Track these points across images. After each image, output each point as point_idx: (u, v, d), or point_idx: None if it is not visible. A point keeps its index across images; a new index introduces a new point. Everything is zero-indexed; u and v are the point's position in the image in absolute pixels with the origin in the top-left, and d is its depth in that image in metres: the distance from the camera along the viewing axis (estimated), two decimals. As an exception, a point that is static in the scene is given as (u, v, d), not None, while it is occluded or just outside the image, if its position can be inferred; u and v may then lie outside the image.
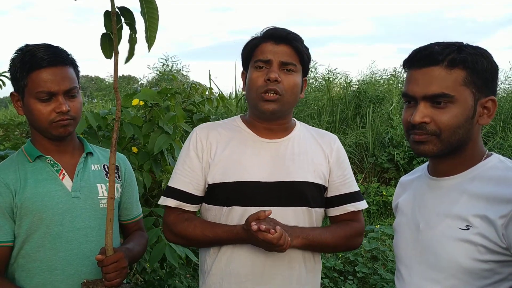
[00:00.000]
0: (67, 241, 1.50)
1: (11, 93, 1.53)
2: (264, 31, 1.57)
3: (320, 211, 1.62)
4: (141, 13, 1.35)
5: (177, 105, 2.67)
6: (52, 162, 1.53)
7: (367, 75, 9.90)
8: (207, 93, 3.05)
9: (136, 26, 1.39)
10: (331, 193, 1.62)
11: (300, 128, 1.67)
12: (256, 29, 1.64)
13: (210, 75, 7.60)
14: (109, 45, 1.40)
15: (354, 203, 1.63)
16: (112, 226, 1.42)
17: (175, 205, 1.59)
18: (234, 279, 1.53)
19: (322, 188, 1.60)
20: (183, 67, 12.28)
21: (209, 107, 2.95)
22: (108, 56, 1.40)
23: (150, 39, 1.36)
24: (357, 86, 9.18)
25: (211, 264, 1.58)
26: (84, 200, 1.54)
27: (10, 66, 1.50)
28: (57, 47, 1.51)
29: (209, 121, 2.81)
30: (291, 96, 1.53)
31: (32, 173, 1.50)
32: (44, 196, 1.48)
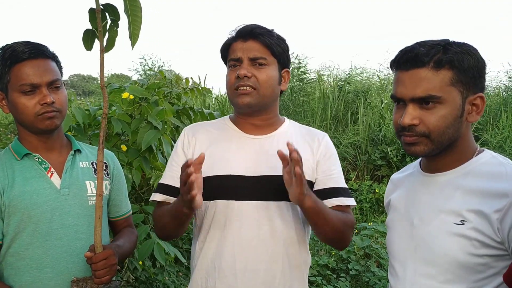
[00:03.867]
0: (57, 239, 1.49)
1: None
2: (235, 29, 1.60)
3: None
4: (124, 11, 1.37)
5: (165, 99, 2.66)
6: (40, 160, 1.52)
7: (359, 73, 9.91)
8: (190, 84, 3.02)
9: (120, 23, 1.42)
10: (317, 186, 1.60)
11: (288, 125, 1.67)
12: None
13: (200, 76, 7.56)
14: (91, 38, 1.44)
15: (340, 198, 1.59)
16: (101, 223, 1.41)
17: (162, 199, 1.61)
18: (218, 274, 1.53)
19: (311, 184, 1.59)
20: (164, 63, 12.26)
21: (188, 98, 2.92)
22: (88, 48, 1.45)
23: (134, 37, 1.39)
24: (343, 81, 9.16)
25: (196, 259, 1.59)
26: (73, 198, 1.53)
27: None
28: (37, 43, 1.51)
29: (190, 112, 2.83)
30: (266, 89, 1.54)
31: (20, 171, 1.49)
32: (33, 194, 1.47)
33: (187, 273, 3.34)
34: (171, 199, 1.59)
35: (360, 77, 9.76)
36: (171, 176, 1.62)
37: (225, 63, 1.63)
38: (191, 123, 2.86)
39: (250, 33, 1.54)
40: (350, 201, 1.60)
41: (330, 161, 1.63)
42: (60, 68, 1.54)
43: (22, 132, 1.54)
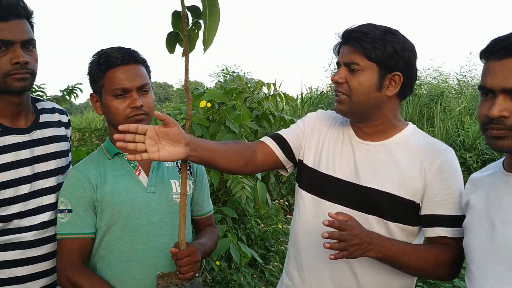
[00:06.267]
0: (144, 234, 1.56)
1: (91, 95, 1.63)
2: None
3: (403, 227, 1.48)
4: (202, 15, 1.36)
5: (242, 104, 2.72)
6: (129, 159, 1.61)
7: (435, 76, 9.55)
8: (272, 91, 3.08)
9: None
10: (425, 211, 1.47)
11: (407, 134, 1.54)
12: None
13: (276, 81, 7.63)
14: (173, 41, 1.44)
15: (450, 228, 1.43)
16: (185, 221, 1.47)
17: (268, 142, 1.67)
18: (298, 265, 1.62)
19: (411, 204, 1.46)
20: (245, 73, 12.53)
21: (270, 104, 2.98)
22: (171, 51, 1.45)
23: (207, 42, 1.38)
24: (417, 85, 8.85)
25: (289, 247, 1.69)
26: (159, 195, 1.60)
27: (89, 69, 1.60)
28: (129, 48, 1.60)
29: (270, 117, 2.87)
30: (358, 96, 1.46)
31: (111, 169, 1.59)
32: (122, 191, 1.55)
33: (261, 275, 3.38)
34: (277, 150, 1.64)
35: (436, 80, 9.41)
36: (288, 133, 1.67)
37: None
38: (271, 128, 2.91)
39: (346, 36, 1.48)
40: (459, 233, 1.43)
41: (443, 184, 1.45)
42: (149, 72, 1.63)
43: (113, 133, 1.63)
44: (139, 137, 1.32)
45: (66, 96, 3.84)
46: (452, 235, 1.43)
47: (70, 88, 3.90)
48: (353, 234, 1.30)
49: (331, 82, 1.54)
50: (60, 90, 3.93)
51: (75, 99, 4.04)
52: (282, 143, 1.65)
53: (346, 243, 1.30)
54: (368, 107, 1.49)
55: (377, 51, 1.43)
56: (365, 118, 1.52)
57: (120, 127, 1.31)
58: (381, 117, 1.52)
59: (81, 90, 3.92)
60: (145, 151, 1.32)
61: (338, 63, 1.52)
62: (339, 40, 1.52)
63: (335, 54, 1.56)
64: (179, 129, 1.36)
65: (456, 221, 1.43)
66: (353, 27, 1.49)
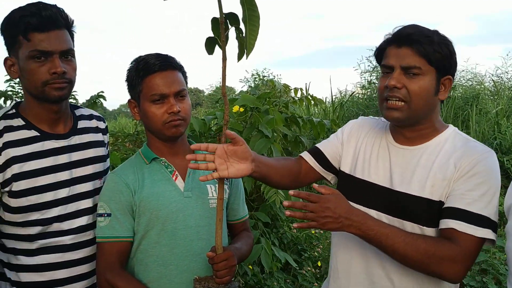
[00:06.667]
0: (181, 238, 1.58)
1: (129, 100, 1.66)
2: (392, 32, 1.47)
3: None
4: (242, 20, 1.38)
5: (274, 108, 2.72)
6: (166, 164, 1.63)
7: (469, 78, 9.33)
8: (298, 94, 3.07)
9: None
10: (446, 204, 1.39)
11: (445, 136, 1.49)
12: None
13: (306, 85, 7.61)
14: (212, 45, 1.47)
15: (462, 222, 1.33)
16: (222, 225, 1.47)
17: (307, 158, 1.69)
18: (333, 274, 1.61)
19: (435, 204, 1.41)
20: (274, 76, 12.58)
21: (297, 107, 2.97)
22: (210, 52, 1.47)
23: (249, 46, 1.39)
24: (452, 88, 8.68)
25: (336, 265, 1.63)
26: (195, 200, 1.61)
27: (127, 75, 1.63)
28: (166, 54, 1.62)
29: (299, 120, 2.86)
30: (418, 102, 1.40)
31: (148, 174, 1.61)
32: (160, 195, 1.57)
33: (294, 280, 3.36)
34: (315, 163, 1.67)
35: (470, 82, 9.19)
36: (326, 146, 1.69)
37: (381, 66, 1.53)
38: (300, 131, 2.89)
39: (405, 38, 1.41)
40: (471, 230, 1.32)
41: (471, 181, 1.37)
42: (185, 78, 1.64)
43: (150, 138, 1.66)
44: (210, 156, 1.40)
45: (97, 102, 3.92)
46: (462, 230, 1.32)
47: (94, 99, 3.96)
48: (325, 206, 1.29)
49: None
50: (86, 100, 4.03)
51: (99, 108, 4.13)
52: (319, 156, 1.68)
53: (315, 214, 1.29)
54: (424, 112, 1.45)
55: (437, 54, 1.39)
56: (416, 123, 1.48)
57: (192, 146, 1.41)
58: (428, 121, 1.49)
59: (104, 98, 3.98)
60: (215, 169, 1.38)
61: (388, 66, 1.44)
62: (385, 41, 1.47)
63: (379, 56, 1.51)
64: (246, 147, 1.42)
65: (472, 218, 1.33)
66: (406, 28, 1.44)
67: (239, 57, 1.45)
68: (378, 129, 1.62)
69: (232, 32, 1.45)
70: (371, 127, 1.65)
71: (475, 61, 26.89)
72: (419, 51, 1.39)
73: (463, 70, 9.58)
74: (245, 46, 1.41)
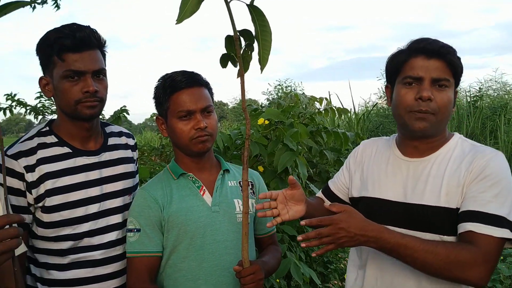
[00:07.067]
0: (209, 253, 1.59)
1: (156, 118, 1.70)
2: (411, 44, 1.49)
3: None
4: (254, 35, 1.40)
5: (298, 121, 2.73)
6: (193, 179, 1.65)
7: (496, 88, 9.16)
8: (323, 105, 3.08)
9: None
10: (461, 209, 1.39)
11: (453, 145, 1.51)
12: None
13: (330, 94, 7.60)
14: (226, 61, 1.48)
15: (478, 224, 1.31)
16: (248, 239, 1.48)
17: (319, 195, 1.82)
18: None
19: (446, 211, 1.42)
20: (296, 87, 12.58)
21: (322, 118, 2.97)
22: (224, 66, 1.48)
23: (263, 61, 1.41)
24: (473, 96, 8.52)
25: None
26: (223, 215, 1.63)
27: (154, 93, 1.67)
28: (192, 71, 1.66)
29: (323, 134, 2.87)
30: (444, 114, 1.44)
31: (176, 189, 1.64)
32: (188, 210, 1.59)
33: (321, 295, 3.33)
34: (325, 199, 1.76)
35: (497, 92, 9.03)
36: (334, 182, 1.79)
37: (391, 77, 1.54)
38: (324, 143, 2.89)
39: (437, 51, 1.42)
40: (489, 230, 1.30)
41: (482, 183, 1.37)
42: (211, 94, 1.68)
43: (178, 154, 1.69)
44: (273, 203, 1.51)
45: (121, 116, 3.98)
46: (480, 231, 1.30)
47: (118, 114, 4.02)
48: (338, 227, 1.30)
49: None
50: (110, 115, 4.11)
51: (124, 122, 4.21)
52: (329, 193, 1.79)
53: (330, 237, 1.30)
54: (445, 124, 1.50)
55: (458, 68, 1.45)
56: (434, 135, 1.49)
57: (260, 196, 1.55)
58: (442, 131, 1.51)
59: (127, 113, 4.05)
60: (278, 214, 1.50)
61: (415, 78, 1.44)
62: (404, 51, 1.49)
63: (396, 67, 1.50)
64: (301, 190, 1.54)
65: (489, 219, 1.31)
66: (430, 40, 1.46)
67: (239, 73, 1.43)
68: (383, 147, 1.65)
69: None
70: (375, 147, 1.69)
71: (502, 70, 26.41)
72: (450, 63, 1.42)
73: (490, 80, 9.43)
74: (259, 61, 1.43)
